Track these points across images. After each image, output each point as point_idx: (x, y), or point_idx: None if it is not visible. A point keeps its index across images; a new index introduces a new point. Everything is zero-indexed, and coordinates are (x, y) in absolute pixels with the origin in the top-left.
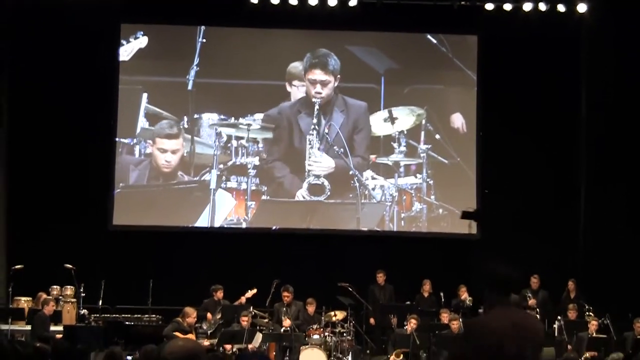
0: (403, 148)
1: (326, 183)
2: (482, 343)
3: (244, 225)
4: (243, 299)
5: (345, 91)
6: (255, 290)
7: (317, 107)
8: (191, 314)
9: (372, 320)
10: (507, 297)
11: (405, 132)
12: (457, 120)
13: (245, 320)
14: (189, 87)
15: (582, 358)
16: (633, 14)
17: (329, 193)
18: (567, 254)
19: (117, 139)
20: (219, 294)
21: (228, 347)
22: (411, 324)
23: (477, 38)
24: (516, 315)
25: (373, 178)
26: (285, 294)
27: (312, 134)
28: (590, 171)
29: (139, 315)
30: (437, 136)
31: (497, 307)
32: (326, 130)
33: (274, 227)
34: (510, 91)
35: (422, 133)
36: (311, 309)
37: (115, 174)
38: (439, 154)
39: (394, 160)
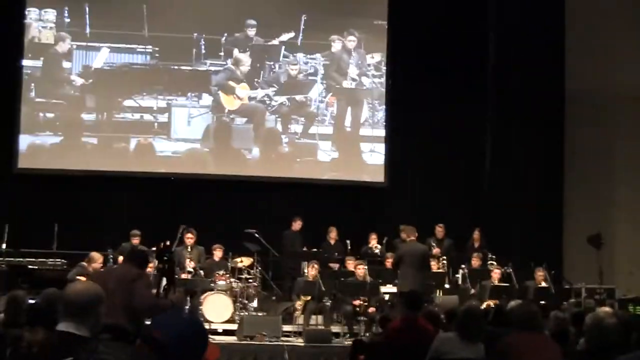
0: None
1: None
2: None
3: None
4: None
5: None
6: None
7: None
8: (97, 259)
9: None
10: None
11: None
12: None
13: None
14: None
15: (485, 305)
16: None
17: None
18: (473, 203)
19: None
20: (135, 240)
21: None
22: (314, 269)
23: None
24: (121, 268)
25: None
26: (189, 235)
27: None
28: (496, 121)
29: (44, 260)
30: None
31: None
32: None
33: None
34: (420, 39)
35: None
36: (218, 254)
37: (21, 116)
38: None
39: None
